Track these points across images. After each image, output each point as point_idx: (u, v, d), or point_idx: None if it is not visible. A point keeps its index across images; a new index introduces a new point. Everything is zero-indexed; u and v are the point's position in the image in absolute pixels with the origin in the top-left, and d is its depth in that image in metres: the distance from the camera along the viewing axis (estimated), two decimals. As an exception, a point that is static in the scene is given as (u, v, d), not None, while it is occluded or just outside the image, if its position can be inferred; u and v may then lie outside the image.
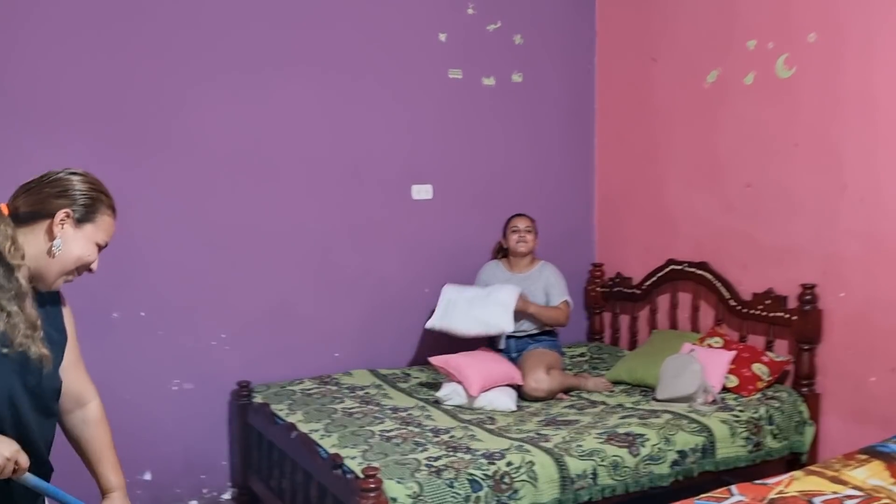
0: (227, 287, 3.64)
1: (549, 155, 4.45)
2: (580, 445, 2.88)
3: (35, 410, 1.67)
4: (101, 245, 1.77)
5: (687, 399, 3.36)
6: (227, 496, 3.67)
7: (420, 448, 2.82)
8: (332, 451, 2.81)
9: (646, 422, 3.12)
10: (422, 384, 3.77)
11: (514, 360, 3.80)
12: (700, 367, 3.40)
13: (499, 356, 3.74)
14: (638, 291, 4.23)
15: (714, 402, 3.34)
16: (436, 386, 3.64)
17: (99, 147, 3.32)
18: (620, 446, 2.92)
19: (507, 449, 2.81)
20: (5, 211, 1.66)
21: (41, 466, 1.73)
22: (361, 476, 2.44)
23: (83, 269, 1.76)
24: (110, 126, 3.36)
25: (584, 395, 3.70)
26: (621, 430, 3.02)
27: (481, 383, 3.44)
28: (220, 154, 3.59)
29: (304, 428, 3.07)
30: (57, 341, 1.73)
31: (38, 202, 1.68)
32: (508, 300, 3.66)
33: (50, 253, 1.67)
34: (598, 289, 4.47)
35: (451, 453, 2.76)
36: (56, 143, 3.24)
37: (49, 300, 1.75)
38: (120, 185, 3.34)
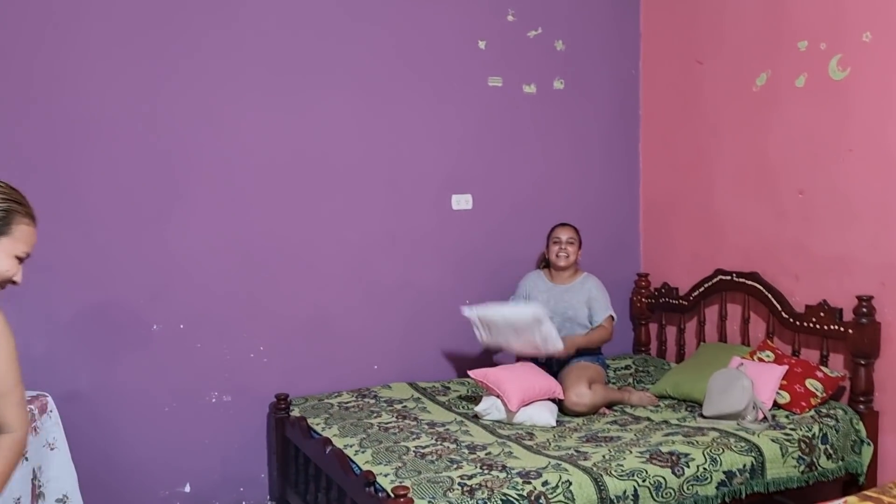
0: (265, 299, 3.63)
1: (592, 162, 4.35)
2: (620, 465, 2.78)
3: None
4: (22, 257, 1.71)
5: (735, 416, 3.22)
6: (266, 509, 3.67)
7: (454, 465, 2.76)
8: (366, 467, 2.77)
9: (691, 440, 2.99)
10: (462, 398, 3.70)
11: (555, 374, 3.71)
12: (750, 382, 3.25)
13: (540, 370, 3.65)
14: (685, 302, 4.09)
15: (764, 419, 3.19)
16: (476, 399, 3.57)
17: (134, 158, 3.36)
18: (663, 466, 2.80)
19: (544, 467, 2.73)
20: None
21: None
22: (392, 495, 2.38)
23: (5, 282, 1.70)
24: (144, 136, 3.38)
25: (628, 409, 3.59)
26: (665, 449, 2.90)
27: (521, 398, 3.36)
28: (256, 165, 3.59)
29: (339, 443, 3.04)
30: None
31: None
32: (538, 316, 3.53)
33: None
34: (643, 299, 4.34)
35: (486, 471, 2.69)
36: (83, 154, 3.29)
37: None
38: (156, 197, 3.42)
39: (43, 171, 3.20)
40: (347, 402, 3.56)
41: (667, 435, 3.10)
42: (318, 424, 3.28)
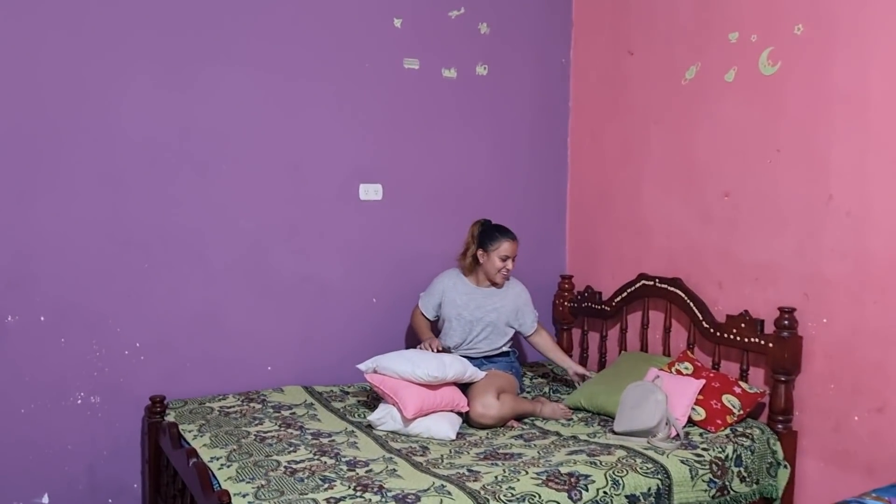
0: (145, 291, 3.29)
1: (516, 155, 4.09)
2: (512, 488, 2.50)
3: None
4: None
5: (646, 433, 2.98)
6: (141, 525, 3.33)
7: (325, 485, 2.46)
8: (226, 485, 2.46)
9: (595, 459, 2.74)
10: (361, 403, 3.41)
11: (466, 383, 3.45)
12: (664, 396, 3.02)
13: (446, 377, 3.37)
14: (608, 308, 3.85)
15: (677, 437, 2.96)
16: (375, 407, 3.28)
17: (4, 132, 3.00)
18: (559, 489, 2.53)
19: (425, 490, 2.44)
20: None
21: None
22: (236, 523, 2.08)
23: None
24: (11, 109, 3.01)
25: (539, 422, 3.33)
26: (564, 470, 2.64)
27: (418, 406, 3.07)
28: (140, 146, 3.24)
29: (206, 454, 2.72)
30: None
31: None
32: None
33: None
34: (566, 303, 4.09)
35: (359, 493, 2.39)
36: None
37: None
38: (22, 175, 3.06)
39: None
40: (230, 407, 3.24)
41: (571, 453, 2.84)
42: (189, 432, 2.95)
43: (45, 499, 3.14)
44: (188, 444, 2.85)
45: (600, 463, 2.70)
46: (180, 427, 2.98)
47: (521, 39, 4.04)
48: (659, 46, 3.63)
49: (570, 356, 4.10)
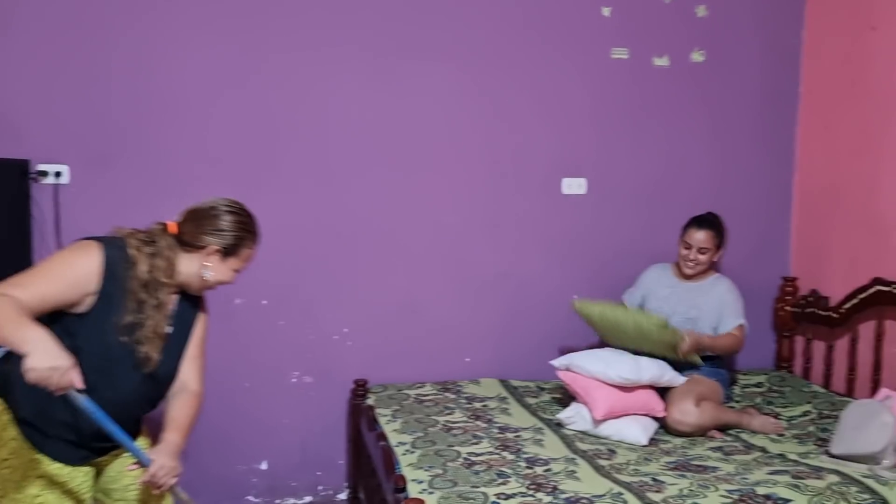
0: (353, 280, 3.49)
1: (736, 147, 3.79)
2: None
3: (145, 384, 2.04)
4: (241, 270, 2.14)
5: (869, 459, 2.63)
6: (342, 496, 3.55)
7: (499, 480, 2.45)
8: (406, 471, 2.55)
9: (800, 482, 2.46)
10: (555, 401, 3.36)
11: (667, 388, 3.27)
12: (893, 419, 2.65)
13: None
14: (835, 315, 3.45)
15: (906, 466, 2.59)
16: (569, 406, 3.21)
17: (226, 129, 3.32)
18: (751, 512, 2.32)
19: (601, 496, 2.35)
20: (174, 230, 2.05)
21: (133, 424, 2.09)
22: (402, 508, 2.14)
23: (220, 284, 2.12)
24: (238, 107, 3.33)
25: (746, 435, 3.08)
26: (761, 491, 2.40)
27: (608, 407, 2.97)
28: (353, 141, 3.44)
29: (394, 439, 2.83)
30: (182, 337, 2.12)
31: (196, 235, 2.04)
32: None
33: (199, 276, 2.06)
34: (787, 307, 3.72)
35: (531, 492, 2.36)
36: (174, 122, 3.29)
37: (191, 303, 2.15)
38: (247, 168, 3.37)
39: (138, 141, 3.24)
40: (426, 395, 3.34)
41: (774, 472, 2.58)
42: (384, 416, 3.09)
43: (265, 465, 3.46)
44: (381, 427, 2.98)
45: (805, 487, 2.43)
46: (376, 411, 3.13)
47: (745, 20, 3.73)
48: (906, 19, 3.18)
49: (791, 367, 3.75)
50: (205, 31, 3.27)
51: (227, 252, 2.06)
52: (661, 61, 3.68)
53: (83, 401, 1.82)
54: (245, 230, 2.09)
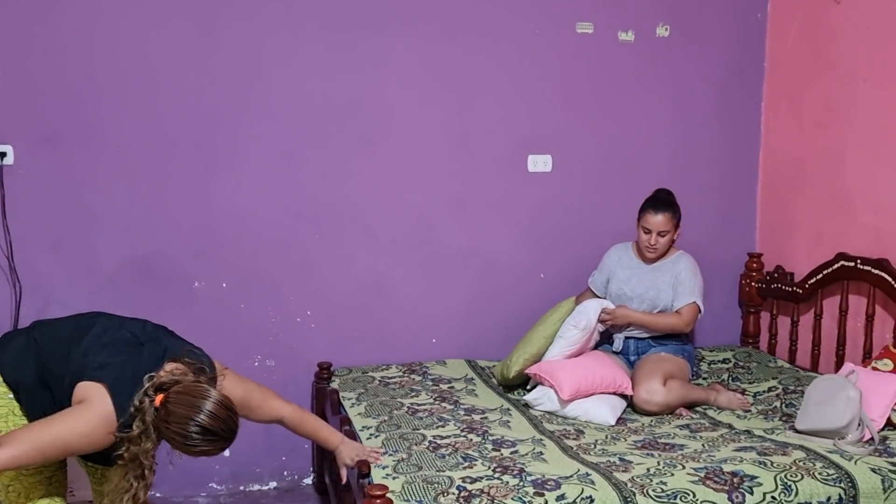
0: (316, 261, 3.42)
1: (702, 123, 3.77)
2: (664, 482, 2.31)
3: None
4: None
5: (834, 434, 2.64)
6: (308, 481, 3.49)
7: (465, 464, 2.42)
8: (369, 455, 2.50)
9: (766, 459, 2.46)
10: (524, 381, 3.33)
11: (632, 365, 3.26)
12: (857, 393, 2.66)
13: (610, 360, 3.20)
14: (800, 290, 3.46)
15: (871, 441, 2.60)
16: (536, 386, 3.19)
17: (181, 110, 3.22)
18: (718, 489, 2.30)
19: (568, 477, 2.32)
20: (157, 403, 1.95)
21: None
22: (366, 496, 2.09)
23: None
24: (193, 87, 3.22)
25: (712, 412, 3.08)
26: (728, 468, 2.40)
27: (574, 388, 2.95)
28: (312, 119, 3.35)
29: (358, 423, 2.79)
30: None
31: (162, 433, 1.96)
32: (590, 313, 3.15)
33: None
34: (753, 283, 3.73)
35: (497, 475, 2.33)
36: (127, 104, 3.18)
37: None
38: (203, 150, 3.27)
39: (88, 120, 3.13)
40: (391, 377, 3.29)
41: (740, 449, 2.58)
42: (348, 399, 3.04)
43: (227, 451, 3.37)
44: (345, 411, 2.93)
45: (771, 464, 2.43)
46: (341, 394, 3.07)
47: (709, -6, 3.70)
48: (871, -7, 3.16)
49: (757, 343, 3.76)
50: (158, 5, 3.15)
51: (185, 452, 2.01)
52: (626, 36, 3.63)
53: None
54: (212, 444, 1.96)
